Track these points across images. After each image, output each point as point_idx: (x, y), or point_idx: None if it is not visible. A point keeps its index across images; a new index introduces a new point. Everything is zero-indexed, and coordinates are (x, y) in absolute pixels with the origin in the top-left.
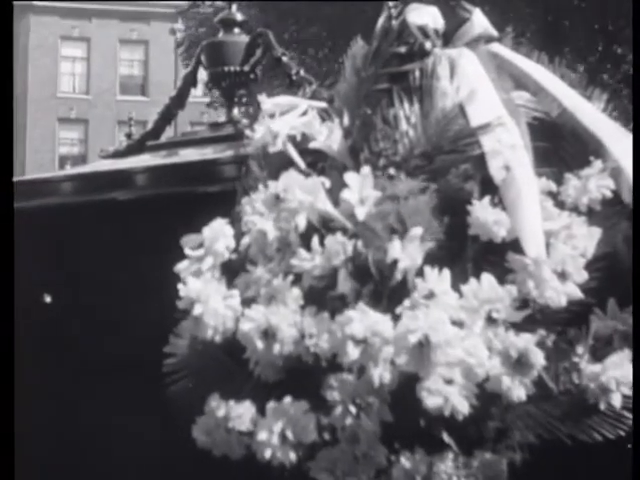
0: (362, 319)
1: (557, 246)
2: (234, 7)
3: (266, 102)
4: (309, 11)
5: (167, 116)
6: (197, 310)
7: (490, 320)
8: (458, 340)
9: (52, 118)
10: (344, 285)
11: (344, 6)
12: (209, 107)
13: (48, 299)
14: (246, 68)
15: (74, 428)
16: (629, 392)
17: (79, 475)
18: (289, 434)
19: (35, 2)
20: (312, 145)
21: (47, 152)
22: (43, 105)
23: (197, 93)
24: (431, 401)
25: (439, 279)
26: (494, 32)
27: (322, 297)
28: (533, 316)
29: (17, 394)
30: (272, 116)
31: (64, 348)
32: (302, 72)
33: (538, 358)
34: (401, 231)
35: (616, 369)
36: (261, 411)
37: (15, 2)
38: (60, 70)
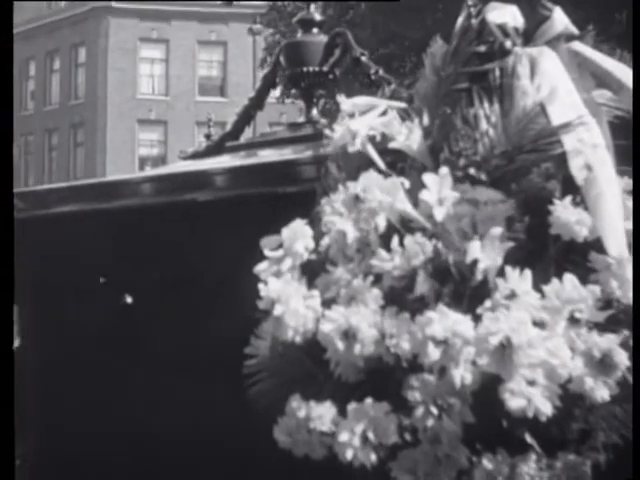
0: (442, 320)
1: None
2: (312, 7)
3: (345, 103)
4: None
5: (246, 117)
6: (278, 311)
7: (573, 320)
8: (540, 341)
9: (132, 120)
10: (423, 286)
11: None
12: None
13: (129, 300)
14: (325, 68)
15: (153, 428)
16: None
17: (157, 475)
18: (370, 435)
19: (114, 4)
20: (391, 145)
21: (127, 153)
22: (123, 107)
23: (276, 94)
24: (514, 403)
25: (520, 279)
26: (575, 30)
27: (402, 297)
28: (616, 316)
29: (96, 395)
30: (351, 117)
31: (145, 349)
32: (381, 72)
33: (622, 358)
34: (472, 235)
35: None
36: (342, 412)
37: (94, 5)
38: (139, 72)
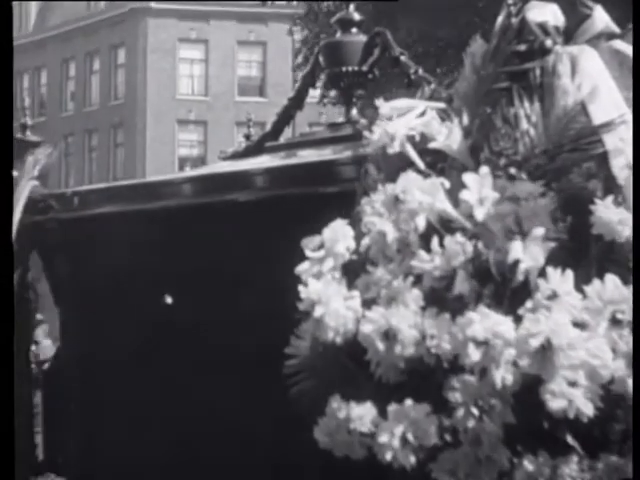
0: (483, 321)
1: None
2: (351, 7)
3: (384, 106)
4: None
5: (285, 117)
6: (318, 312)
7: (614, 321)
8: (581, 342)
9: (171, 120)
10: (462, 286)
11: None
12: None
13: (169, 300)
14: (364, 68)
15: (194, 427)
16: None
17: (202, 473)
18: (410, 437)
19: (153, 5)
20: (431, 145)
21: (167, 154)
22: (162, 107)
23: (315, 94)
24: (555, 404)
25: (562, 280)
26: (616, 28)
27: (443, 298)
28: None
29: (137, 392)
30: (390, 119)
31: (184, 348)
32: (420, 71)
33: None
34: (517, 233)
35: None
36: (382, 412)
37: (133, 5)
38: (178, 72)
